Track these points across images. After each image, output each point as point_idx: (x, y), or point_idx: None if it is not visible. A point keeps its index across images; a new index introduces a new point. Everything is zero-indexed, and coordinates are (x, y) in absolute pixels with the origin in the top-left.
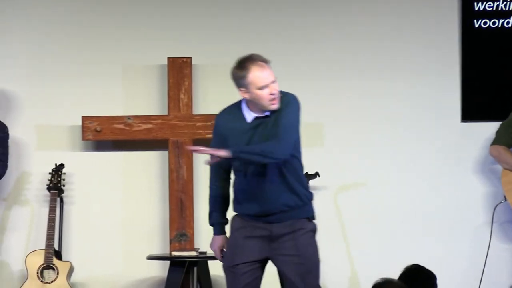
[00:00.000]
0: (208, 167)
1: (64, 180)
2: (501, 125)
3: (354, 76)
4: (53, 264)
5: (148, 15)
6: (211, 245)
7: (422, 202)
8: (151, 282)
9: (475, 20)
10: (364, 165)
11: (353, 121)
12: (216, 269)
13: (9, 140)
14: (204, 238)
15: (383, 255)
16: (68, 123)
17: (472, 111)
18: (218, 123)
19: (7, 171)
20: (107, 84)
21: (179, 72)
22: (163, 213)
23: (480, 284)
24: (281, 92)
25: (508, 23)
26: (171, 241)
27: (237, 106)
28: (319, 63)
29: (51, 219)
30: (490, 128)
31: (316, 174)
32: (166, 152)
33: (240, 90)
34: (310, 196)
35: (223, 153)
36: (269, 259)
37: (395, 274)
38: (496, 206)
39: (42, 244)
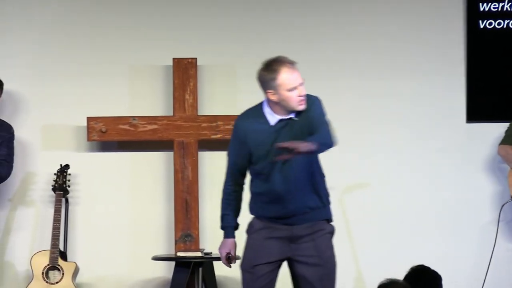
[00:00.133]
0: (210, 169)
1: (69, 180)
2: (510, 124)
3: (357, 76)
4: (58, 265)
5: (153, 15)
6: (221, 248)
7: (427, 203)
8: (156, 282)
9: (480, 21)
10: (369, 165)
11: (358, 121)
12: (221, 269)
13: (15, 141)
14: (209, 238)
15: (388, 256)
16: (74, 124)
17: (477, 111)
18: (238, 127)
19: (13, 172)
20: (112, 84)
21: (184, 72)
22: (168, 214)
23: (484, 282)
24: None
25: None
26: (176, 241)
27: (257, 109)
28: (322, 63)
29: (56, 220)
30: (495, 129)
31: None
32: (171, 153)
33: (268, 92)
34: (328, 198)
35: (310, 146)
36: (287, 260)
37: (400, 275)
38: (503, 205)
39: (47, 245)
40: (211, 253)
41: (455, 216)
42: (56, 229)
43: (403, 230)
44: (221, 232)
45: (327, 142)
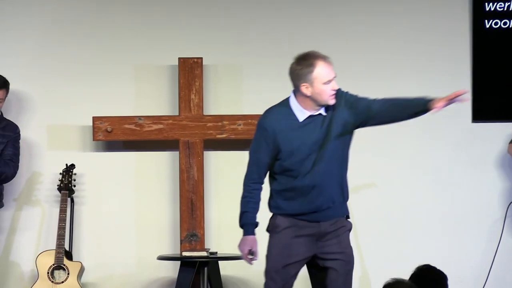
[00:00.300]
0: (216, 169)
1: (74, 180)
2: None
3: (363, 76)
4: (64, 265)
5: (159, 15)
6: (242, 245)
7: (433, 202)
8: (161, 282)
9: (486, 21)
10: (374, 165)
11: None
12: (226, 269)
13: (20, 141)
14: (214, 238)
15: (394, 255)
16: (79, 124)
17: (482, 111)
18: (266, 126)
19: (18, 172)
20: (118, 84)
21: (190, 72)
22: (174, 214)
23: (486, 279)
24: None
25: None
26: (181, 241)
27: (284, 106)
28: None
29: (61, 220)
30: (500, 128)
31: None
32: (177, 153)
33: (303, 85)
34: (348, 193)
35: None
36: (313, 257)
37: (406, 274)
38: (510, 203)
39: (53, 245)
40: (216, 252)
41: (461, 215)
42: (61, 228)
43: (408, 230)
44: (226, 232)
45: None
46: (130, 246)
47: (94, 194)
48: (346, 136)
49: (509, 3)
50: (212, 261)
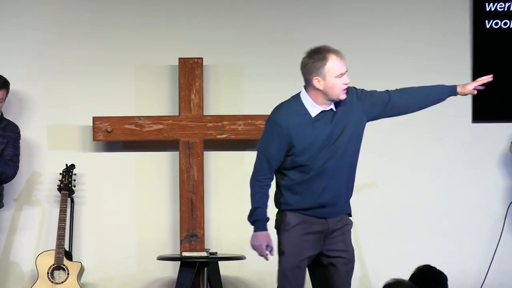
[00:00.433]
0: (216, 169)
1: (75, 180)
2: None
3: (363, 76)
4: (64, 265)
5: (159, 15)
6: (255, 241)
7: (433, 202)
8: (161, 282)
9: (486, 21)
10: (374, 165)
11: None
12: (226, 269)
13: (21, 141)
14: (214, 238)
15: (394, 255)
16: (79, 124)
17: (483, 111)
18: (280, 122)
19: (18, 172)
20: (118, 84)
21: (190, 72)
22: (174, 214)
23: (485, 278)
24: None
25: None
26: (181, 241)
27: (296, 101)
28: None
29: (61, 220)
30: (500, 129)
31: None
32: (177, 153)
33: (315, 79)
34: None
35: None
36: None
37: (406, 275)
38: (511, 203)
39: (53, 245)
40: (216, 253)
41: (461, 215)
42: (61, 229)
43: (409, 230)
44: (226, 232)
45: None
46: (130, 246)
47: (94, 194)
48: (360, 131)
49: (509, 3)
50: (212, 261)
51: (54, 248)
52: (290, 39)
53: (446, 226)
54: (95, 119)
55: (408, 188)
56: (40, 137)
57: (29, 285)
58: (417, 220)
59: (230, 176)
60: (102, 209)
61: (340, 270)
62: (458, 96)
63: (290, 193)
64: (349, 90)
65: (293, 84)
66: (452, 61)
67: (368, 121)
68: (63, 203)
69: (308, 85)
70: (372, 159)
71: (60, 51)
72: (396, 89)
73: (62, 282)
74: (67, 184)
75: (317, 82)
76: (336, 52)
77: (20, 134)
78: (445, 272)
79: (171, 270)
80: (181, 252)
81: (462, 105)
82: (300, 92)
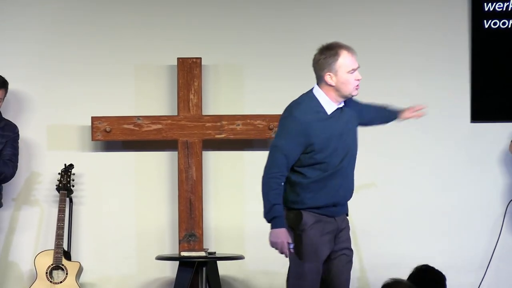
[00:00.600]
0: (215, 169)
1: (73, 180)
2: None
3: (363, 75)
4: (62, 265)
5: (158, 15)
6: (277, 238)
7: (431, 202)
8: (160, 282)
9: (485, 21)
10: (374, 165)
11: None
12: (225, 269)
13: (19, 141)
14: (213, 238)
15: (393, 255)
16: (78, 124)
17: (481, 111)
18: (301, 119)
19: (17, 172)
20: (116, 84)
21: (188, 72)
22: (172, 214)
23: (484, 275)
24: None
25: None
26: (180, 241)
27: (311, 98)
28: None
29: (60, 219)
30: (499, 128)
31: None
32: (176, 153)
33: (327, 74)
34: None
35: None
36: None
37: (404, 274)
38: (510, 202)
39: (51, 245)
40: (215, 253)
41: (460, 215)
42: (60, 228)
43: (407, 230)
44: (225, 232)
45: None
46: (128, 246)
47: (92, 194)
48: (356, 132)
49: (508, 3)
50: (211, 261)
51: (53, 248)
52: (290, 39)
53: (445, 226)
54: (93, 119)
55: (407, 188)
56: (39, 137)
57: (28, 285)
58: (416, 219)
59: (228, 176)
60: (100, 209)
61: (343, 267)
62: (457, 96)
63: (306, 192)
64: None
65: (292, 84)
66: (451, 61)
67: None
68: (61, 203)
69: (320, 82)
70: (372, 159)
71: (59, 51)
72: (365, 103)
73: (61, 282)
74: (65, 184)
75: (329, 78)
76: (348, 48)
77: (19, 134)
78: (444, 272)
79: (170, 270)
80: (179, 252)
81: (461, 105)
82: (312, 89)
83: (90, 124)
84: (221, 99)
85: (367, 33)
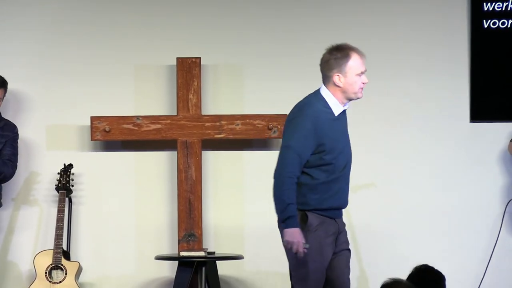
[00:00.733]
0: (214, 169)
1: (72, 180)
2: None
3: None
4: (62, 265)
5: (157, 15)
6: (293, 237)
7: (431, 202)
8: (159, 282)
9: (484, 21)
10: (374, 165)
11: (362, 121)
12: (224, 269)
13: (19, 140)
14: (212, 238)
15: (392, 255)
16: (77, 123)
17: (481, 111)
18: (314, 118)
19: (17, 171)
20: (116, 84)
21: (188, 72)
22: (172, 214)
23: (483, 276)
24: None
25: None
26: (179, 241)
27: (320, 99)
28: None
29: (59, 219)
30: (499, 128)
31: None
32: (175, 153)
33: (336, 75)
34: None
35: None
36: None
37: (403, 274)
38: (509, 201)
39: (51, 244)
40: (214, 252)
41: (459, 215)
42: (59, 228)
43: (406, 229)
44: (224, 232)
45: None
46: (128, 246)
47: (92, 194)
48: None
49: (507, 3)
50: (210, 261)
51: (52, 248)
52: (289, 39)
53: (444, 226)
54: (93, 118)
55: (406, 187)
56: (38, 136)
57: (27, 284)
58: (414, 219)
59: (228, 176)
60: (100, 208)
61: (345, 268)
62: (456, 96)
63: (312, 193)
64: None
65: (292, 84)
66: (450, 61)
67: None
68: (61, 202)
69: (328, 82)
70: (371, 159)
71: (59, 51)
72: None
73: (60, 282)
74: (65, 183)
75: (337, 78)
76: (358, 51)
77: (18, 134)
78: (444, 272)
79: (169, 269)
80: (179, 252)
81: (460, 105)
82: (319, 90)
83: (89, 124)
84: (221, 99)
85: (367, 33)
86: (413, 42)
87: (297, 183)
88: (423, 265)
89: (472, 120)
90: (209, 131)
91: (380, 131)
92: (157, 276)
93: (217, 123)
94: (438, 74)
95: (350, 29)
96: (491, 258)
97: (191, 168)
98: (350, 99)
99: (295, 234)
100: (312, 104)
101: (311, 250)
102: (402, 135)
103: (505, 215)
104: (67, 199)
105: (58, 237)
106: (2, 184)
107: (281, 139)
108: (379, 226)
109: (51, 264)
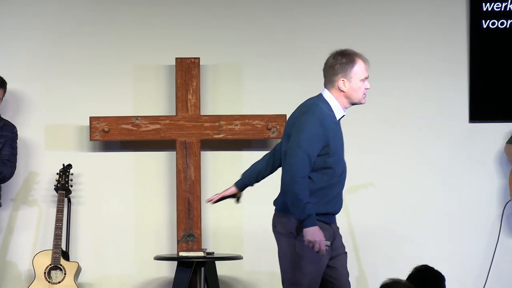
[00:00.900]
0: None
1: (71, 180)
2: None
3: None
4: (61, 265)
5: (156, 15)
6: (315, 236)
7: (429, 202)
8: (158, 282)
9: (483, 21)
10: (373, 165)
11: (361, 121)
12: (223, 269)
13: (18, 141)
14: (211, 238)
15: (392, 255)
16: (76, 124)
17: (480, 111)
18: (322, 121)
19: (16, 172)
20: (115, 84)
21: (187, 72)
22: (171, 214)
23: (486, 280)
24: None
25: None
26: (178, 241)
27: (323, 103)
28: None
29: (58, 220)
30: (497, 129)
31: None
32: (174, 153)
33: (341, 80)
34: None
35: None
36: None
37: (403, 275)
38: (507, 203)
39: (50, 245)
40: (213, 253)
41: (458, 215)
42: (58, 229)
43: (405, 230)
44: (223, 232)
45: None
46: (127, 246)
47: (91, 194)
48: None
49: (506, 3)
50: (209, 261)
51: (51, 248)
52: (289, 39)
53: (443, 226)
54: (92, 119)
55: (406, 187)
56: (37, 137)
57: (26, 285)
58: (413, 219)
59: (227, 176)
60: (99, 209)
61: (343, 270)
62: (455, 96)
63: (311, 198)
64: None
65: (291, 85)
66: (448, 62)
67: None
68: (60, 203)
69: (331, 87)
70: (370, 159)
71: (58, 51)
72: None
73: (59, 282)
74: (64, 184)
75: (342, 83)
76: (362, 57)
77: (17, 134)
78: (443, 272)
79: (168, 270)
80: (178, 252)
81: (459, 105)
82: (322, 93)
83: (88, 124)
84: (220, 99)
85: (367, 33)
86: (412, 42)
87: None
88: (422, 265)
89: (471, 120)
90: (208, 131)
91: (379, 131)
92: (156, 276)
93: (216, 123)
94: (437, 74)
95: (350, 29)
96: (493, 259)
97: (190, 168)
98: (353, 104)
99: (317, 232)
100: (319, 105)
101: (308, 255)
102: (401, 135)
103: (504, 214)
104: (66, 199)
105: (57, 237)
106: (1, 184)
107: (280, 139)
108: (378, 226)
109: (50, 265)
